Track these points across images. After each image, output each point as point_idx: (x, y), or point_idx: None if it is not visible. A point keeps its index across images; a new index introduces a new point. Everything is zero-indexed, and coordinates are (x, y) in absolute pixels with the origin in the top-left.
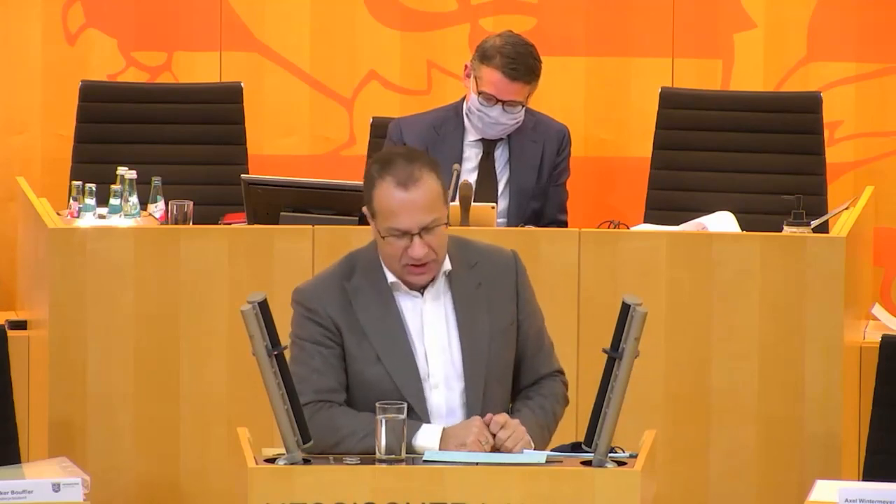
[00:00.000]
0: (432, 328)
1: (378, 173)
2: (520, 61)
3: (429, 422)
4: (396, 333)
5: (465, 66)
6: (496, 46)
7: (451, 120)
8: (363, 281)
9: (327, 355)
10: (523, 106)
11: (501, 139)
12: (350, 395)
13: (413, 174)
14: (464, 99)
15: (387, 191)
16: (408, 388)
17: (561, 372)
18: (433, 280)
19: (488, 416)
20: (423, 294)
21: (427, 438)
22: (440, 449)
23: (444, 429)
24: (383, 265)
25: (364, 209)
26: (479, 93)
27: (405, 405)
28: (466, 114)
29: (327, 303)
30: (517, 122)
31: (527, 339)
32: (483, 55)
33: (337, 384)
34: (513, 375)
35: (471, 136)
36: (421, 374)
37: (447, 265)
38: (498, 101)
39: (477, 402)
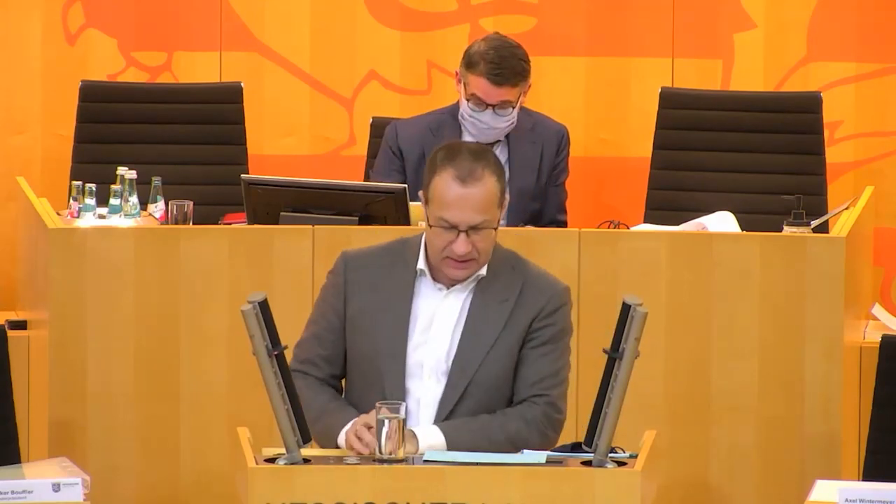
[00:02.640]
0: (441, 323)
1: (441, 161)
2: (504, 65)
3: (415, 405)
4: (400, 317)
5: (456, 73)
6: (480, 52)
7: (447, 122)
8: (398, 260)
9: (324, 326)
10: (514, 107)
11: (500, 140)
12: (346, 367)
13: (475, 172)
14: (460, 101)
15: (445, 181)
16: (390, 371)
17: (548, 402)
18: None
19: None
20: (448, 289)
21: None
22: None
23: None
24: (421, 251)
25: (420, 192)
26: (469, 99)
27: (404, 405)
28: (462, 116)
29: (355, 272)
30: (511, 124)
31: (523, 360)
32: (468, 62)
33: (317, 356)
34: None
35: (467, 138)
36: (409, 362)
37: (483, 271)
38: (488, 105)
39: (449, 403)
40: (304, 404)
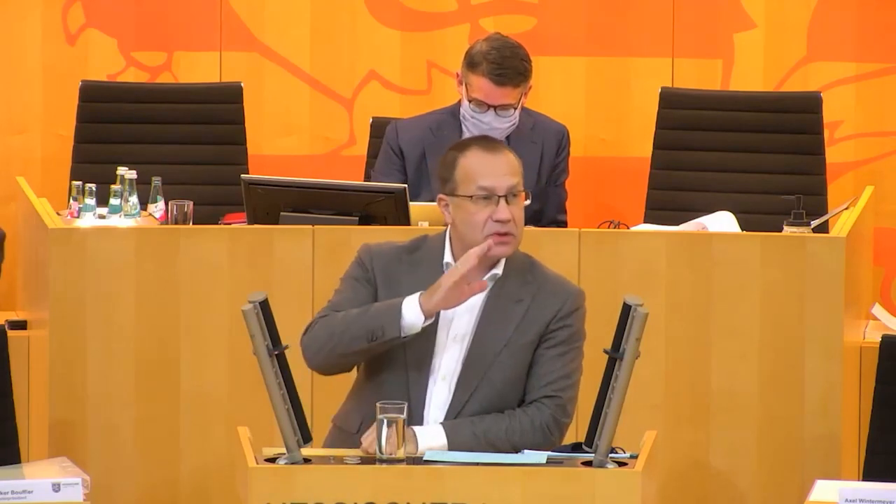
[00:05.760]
0: (459, 320)
1: (459, 150)
2: (506, 65)
3: (422, 405)
4: None
5: (457, 75)
6: (482, 52)
7: (448, 122)
8: (422, 258)
9: (359, 289)
10: (516, 108)
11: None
12: (367, 361)
13: (496, 144)
14: (460, 101)
15: (473, 157)
16: (414, 368)
17: (559, 405)
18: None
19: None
20: None
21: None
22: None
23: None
24: (447, 247)
25: (440, 196)
26: (470, 100)
27: (405, 405)
28: (463, 117)
29: (381, 263)
30: (512, 125)
31: (538, 359)
32: (470, 62)
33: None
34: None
35: None
36: (433, 361)
37: (499, 269)
38: (489, 106)
39: (459, 403)
40: (347, 313)
